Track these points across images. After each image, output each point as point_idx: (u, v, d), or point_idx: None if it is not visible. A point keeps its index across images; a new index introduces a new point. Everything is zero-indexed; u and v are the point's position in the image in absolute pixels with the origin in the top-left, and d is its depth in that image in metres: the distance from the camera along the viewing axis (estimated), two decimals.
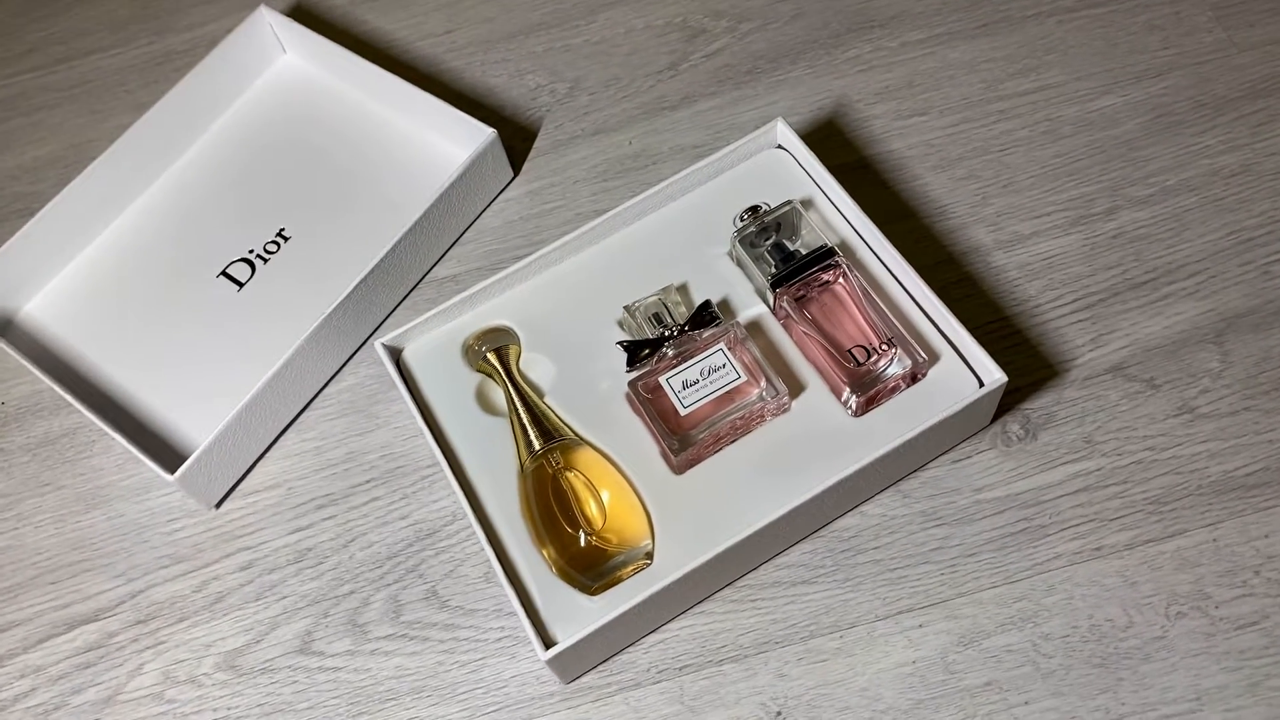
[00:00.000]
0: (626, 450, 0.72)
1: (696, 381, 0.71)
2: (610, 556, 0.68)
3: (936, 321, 0.73)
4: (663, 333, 0.73)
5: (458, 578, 0.74)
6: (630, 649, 0.71)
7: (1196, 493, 0.71)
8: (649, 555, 0.69)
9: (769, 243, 0.77)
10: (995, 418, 0.75)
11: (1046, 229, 0.81)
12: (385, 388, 0.81)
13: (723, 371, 0.71)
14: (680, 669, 0.70)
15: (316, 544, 0.76)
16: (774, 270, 0.75)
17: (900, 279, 0.75)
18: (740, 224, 0.78)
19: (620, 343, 0.73)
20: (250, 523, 0.78)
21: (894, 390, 0.72)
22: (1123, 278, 0.79)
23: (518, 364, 0.76)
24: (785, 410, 0.72)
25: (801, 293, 0.74)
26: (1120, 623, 0.68)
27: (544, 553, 0.69)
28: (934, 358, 0.73)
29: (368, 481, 0.78)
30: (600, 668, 0.70)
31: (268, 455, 0.80)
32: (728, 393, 0.71)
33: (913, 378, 0.72)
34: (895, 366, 0.71)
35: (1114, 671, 0.67)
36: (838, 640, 0.70)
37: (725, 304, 0.77)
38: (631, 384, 0.72)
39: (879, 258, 0.76)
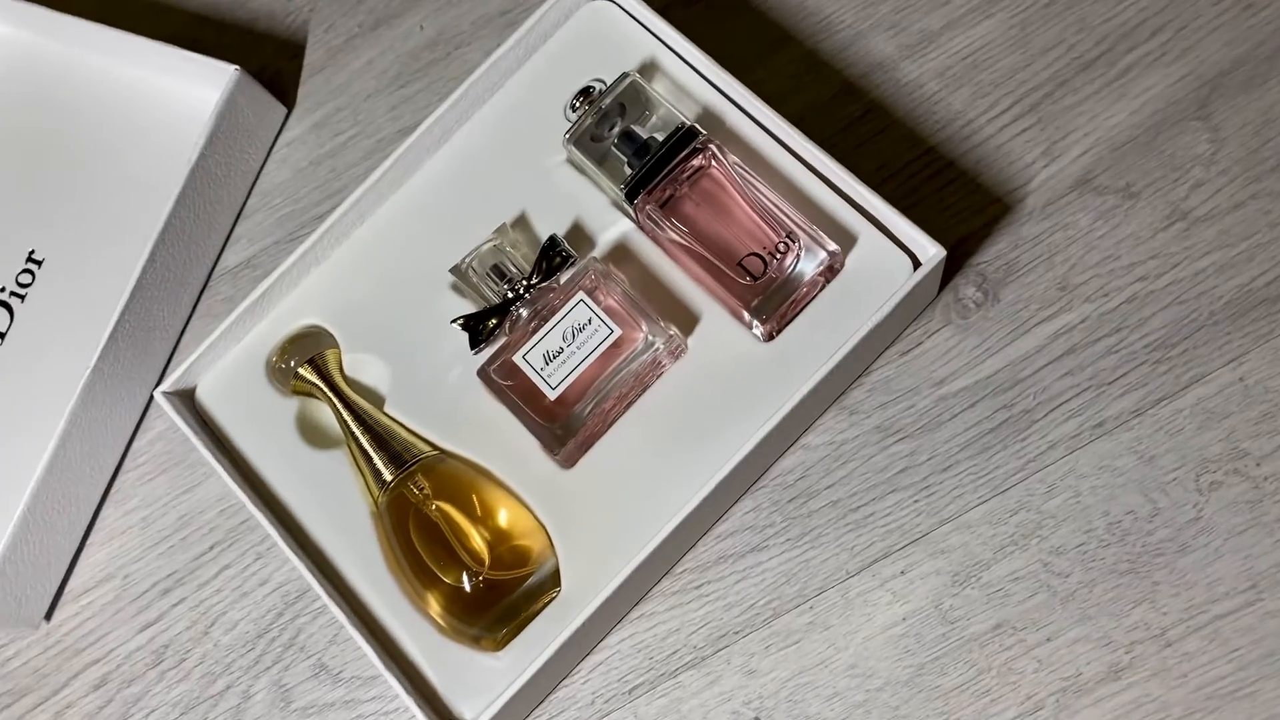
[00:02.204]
0: (501, 451, 0.57)
1: (561, 350, 0.55)
2: (509, 593, 0.55)
3: (844, 191, 0.57)
4: (506, 292, 0.57)
5: (344, 642, 0.61)
6: (567, 682, 0.58)
7: (1209, 322, 0.56)
8: (556, 581, 0.55)
9: (614, 133, 0.59)
10: (942, 285, 0.59)
11: (960, 16, 0.63)
12: None
13: (591, 328, 0.55)
14: (629, 691, 0.57)
15: (173, 638, 0.63)
16: (628, 171, 0.58)
17: (787, 143, 0.58)
18: (573, 116, 0.60)
19: (457, 320, 0.57)
20: (91, 629, 0.64)
21: (809, 295, 0.56)
22: (1068, 58, 0.61)
23: (341, 372, 0.60)
24: (682, 353, 0.57)
25: (669, 192, 0.57)
26: (1144, 512, 0.55)
27: (426, 610, 0.55)
28: (850, 241, 0.56)
29: (212, 548, 0.64)
30: (537, 712, 0.58)
31: (89, 542, 0.65)
32: (604, 353, 0.55)
33: (829, 272, 0.56)
34: (805, 265, 0.55)
35: (1147, 575, 0.54)
36: (808, 613, 0.57)
37: (578, 231, 0.60)
38: (483, 372, 0.56)
39: (755, 120, 0.59)
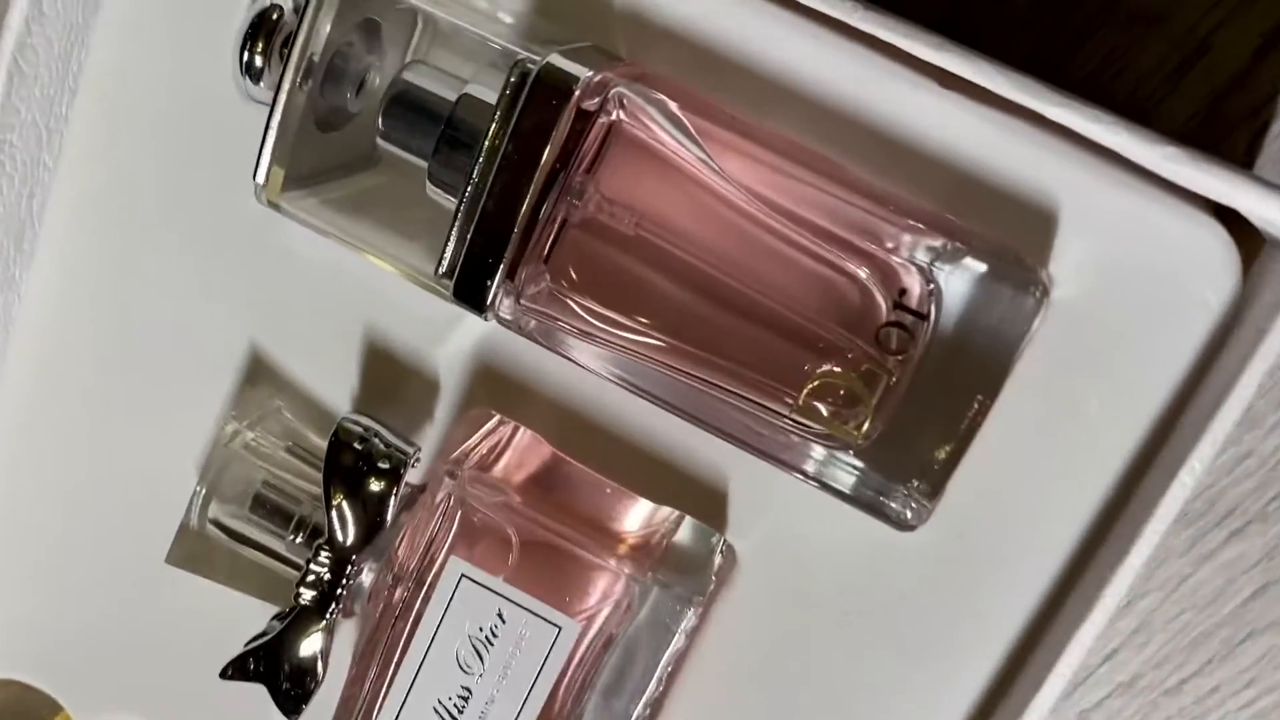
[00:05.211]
0: None
1: (468, 693, 0.24)
2: None
3: (997, 96, 0.21)
4: (298, 596, 0.25)
5: None
6: None
7: None
8: None
9: (366, 96, 0.23)
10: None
11: None
12: None
13: (508, 627, 0.23)
14: None
15: None
16: (433, 194, 0.23)
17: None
18: (255, 91, 0.24)
19: (226, 670, 0.26)
20: None
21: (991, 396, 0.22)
22: None
23: None
24: (730, 573, 0.24)
25: (558, 218, 0.22)
26: None
27: None
28: (1045, 225, 0.21)
29: None
30: None
31: None
32: (565, 659, 0.23)
33: (1029, 307, 0.21)
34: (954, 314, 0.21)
35: None
36: None
37: (391, 361, 0.25)
38: None
39: None
